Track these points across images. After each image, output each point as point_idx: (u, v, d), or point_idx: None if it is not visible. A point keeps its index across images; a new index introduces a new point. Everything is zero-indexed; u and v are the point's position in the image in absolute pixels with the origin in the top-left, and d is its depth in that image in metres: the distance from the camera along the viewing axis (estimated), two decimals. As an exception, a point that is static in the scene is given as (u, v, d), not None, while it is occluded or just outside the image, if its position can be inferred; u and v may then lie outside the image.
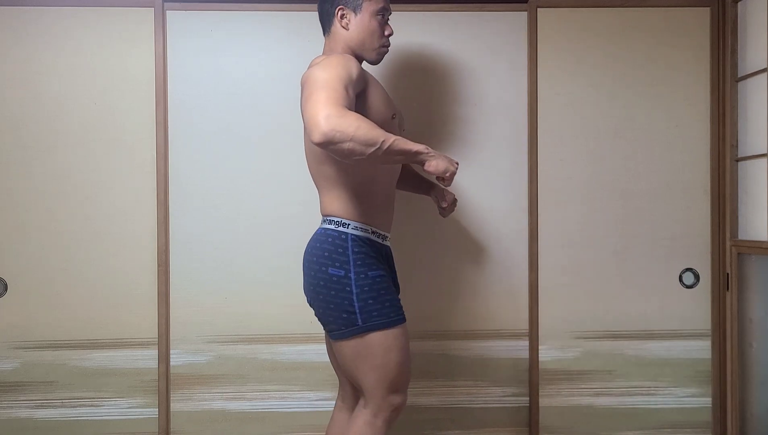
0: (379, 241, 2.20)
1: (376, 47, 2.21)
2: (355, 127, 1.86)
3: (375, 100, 2.12)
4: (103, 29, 2.72)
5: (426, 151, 1.99)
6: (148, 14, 2.72)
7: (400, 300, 2.18)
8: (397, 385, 2.14)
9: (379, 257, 2.17)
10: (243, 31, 2.75)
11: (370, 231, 2.17)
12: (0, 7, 2.69)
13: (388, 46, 2.25)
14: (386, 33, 2.22)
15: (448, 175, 2.01)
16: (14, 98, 2.71)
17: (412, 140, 2.00)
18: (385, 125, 2.08)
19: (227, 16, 2.74)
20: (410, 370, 2.20)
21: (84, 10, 2.72)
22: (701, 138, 2.82)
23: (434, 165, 1.99)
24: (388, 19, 2.24)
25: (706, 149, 2.82)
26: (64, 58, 2.72)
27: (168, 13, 2.73)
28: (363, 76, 2.09)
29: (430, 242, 2.78)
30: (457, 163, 2.05)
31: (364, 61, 2.25)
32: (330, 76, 1.96)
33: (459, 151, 2.79)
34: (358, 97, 2.05)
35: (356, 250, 2.11)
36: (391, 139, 1.91)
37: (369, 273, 2.10)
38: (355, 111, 1.98)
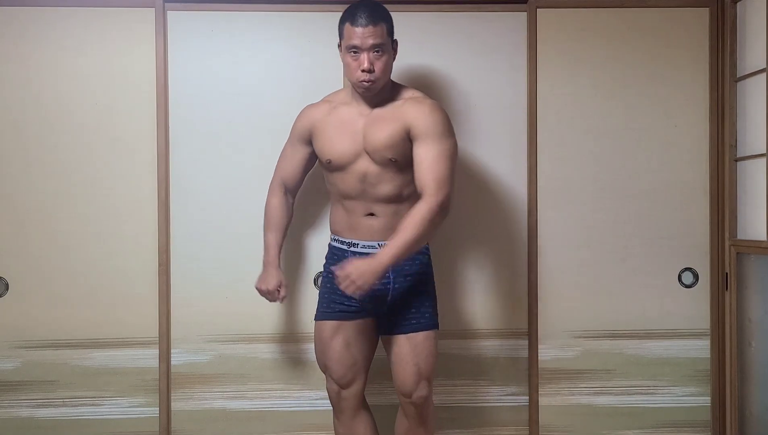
0: (344, 247, 2.40)
1: (354, 81, 2.29)
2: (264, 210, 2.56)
3: (317, 146, 2.41)
4: (104, 29, 2.73)
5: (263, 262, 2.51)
6: (148, 14, 2.72)
7: (335, 298, 2.38)
8: (323, 369, 2.46)
9: (336, 262, 2.36)
10: (243, 31, 2.75)
11: (333, 239, 2.46)
12: (0, 7, 2.70)
13: (368, 81, 2.24)
14: (361, 68, 2.24)
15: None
16: (14, 98, 2.71)
17: (272, 245, 2.51)
18: (324, 170, 2.43)
19: (228, 16, 2.75)
20: (329, 362, 2.40)
21: (84, 10, 2.72)
22: (700, 138, 2.83)
23: None
24: (369, 55, 2.23)
25: (705, 149, 2.83)
26: (65, 58, 2.72)
27: (169, 13, 2.73)
28: (306, 127, 2.43)
29: (429, 242, 2.78)
30: (266, 288, 2.48)
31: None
32: (289, 137, 2.51)
33: (459, 151, 2.79)
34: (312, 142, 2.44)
35: (327, 254, 2.49)
36: (265, 238, 2.53)
37: (323, 274, 2.51)
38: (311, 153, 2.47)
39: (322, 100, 2.47)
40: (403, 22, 2.74)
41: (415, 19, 2.77)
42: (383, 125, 2.29)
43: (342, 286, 2.16)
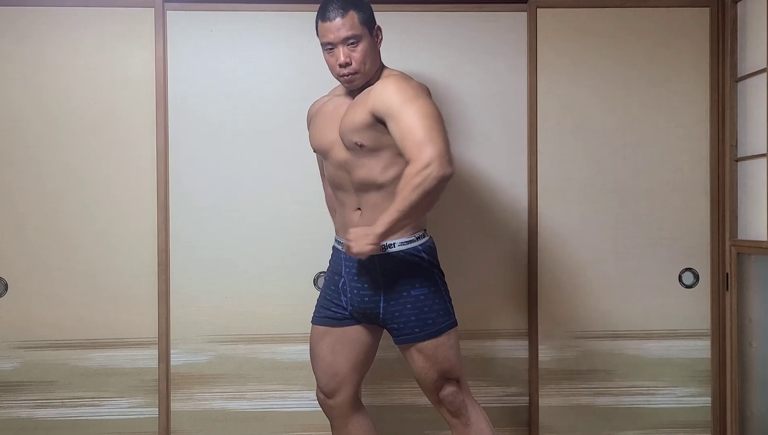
0: (339, 247, 2.34)
1: (336, 77, 2.26)
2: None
3: (309, 137, 2.40)
4: (104, 29, 2.73)
5: None
6: (148, 14, 2.72)
7: (324, 303, 2.36)
8: (315, 374, 2.41)
9: (333, 262, 2.38)
10: (243, 31, 2.75)
11: (335, 239, 2.40)
12: (1, 8, 2.70)
13: (348, 74, 2.20)
14: (338, 62, 2.20)
15: None
16: (15, 98, 2.71)
17: None
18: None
19: (227, 16, 2.75)
20: (315, 368, 2.38)
21: (84, 11, 2.72)
22: (701, 138, 2.83)
23: None
24: (343, 48, 2.18)
25: (706, 149, 2.83)
26: (65, 58, 2.72)
27: (168, 13, 2.73)
28: (308, 121, 2.44)
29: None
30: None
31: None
32: None
33: (458, 151, 2.79)
34: None
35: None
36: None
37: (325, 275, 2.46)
38: None
39: (328, 93, 2.45)
40: (403, 21, 2.74)
41: (415, 19, 2.76)
42: (353, 110, 2.23)
43: (345, 250, 2.12)
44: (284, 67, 2.77)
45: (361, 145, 2.18)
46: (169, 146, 2.73)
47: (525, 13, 2.79)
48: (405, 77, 2.20)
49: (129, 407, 2.75)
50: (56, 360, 2.73)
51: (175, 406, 2.76)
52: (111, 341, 2.74)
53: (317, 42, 2.73)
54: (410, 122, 2.07)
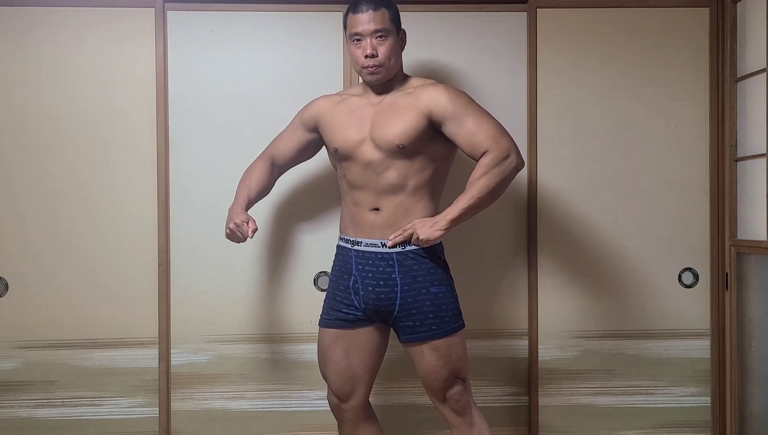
0: (348, 245, 2.34)
1: (359, 70, 2.31)
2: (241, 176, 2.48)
3: (325, 136, 2.39)
4: (104, 29, 2.73)
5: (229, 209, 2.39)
6: (148, 14, 2.73)
7: (334, 305, 2.34)
8: (324, 377, 2.41)
9: (340, 262, 2.37)
10: (243, 31, 2.76)
11: (339, 238, 2.39)
12: (1, 8, 2.70)
13: (372, 66, 2.25)
14: (363, 54, 2.26)
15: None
16: (15, 98, 2.71)
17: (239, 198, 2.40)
18: (335, 163, 2.41)
19: (227, 16, 2.75)
20: (328, 372, 2.37)
21: (84, 11, 2.72)
22: (700, 138, 2.83)
23: None
24: (371, 40, 2.25)
25: (706, 149, 2.83)
26: (65, 58, 2.72)
27: (168, 13, 2.73)
28: (311, 115, 2.42)
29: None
30: (233, 224, 2.28)
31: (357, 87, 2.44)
32: (291, 121, 2.50)
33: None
34: (319, 131, 2.42)
35: (335, 256, 2.42)
36: (236, 193, 2.42)
37: (330, 276, 2.46)
38: (320, 142, 2.45)
39: (336, 93, 2.48)
40: (403, 21, 2.74)
41: (415, 19, 2.76)
42: (394, 113, 2.26)
43: (413, 239, 2.21)
44: (284, 68, 2.77)
45: (402, 147, 2.23)
46: (169, 146, 2.74)
47: (525, 13, 2.80)
48: (453, 87, 2.35)
49: (129, 407, 2.75)
50: (56, 360, 2.73)
51: (175, 405, 2.76)
52: (111, 341, 2.74)
53: (317, 42, 2.76)
54: (480, 119, 2.24)
